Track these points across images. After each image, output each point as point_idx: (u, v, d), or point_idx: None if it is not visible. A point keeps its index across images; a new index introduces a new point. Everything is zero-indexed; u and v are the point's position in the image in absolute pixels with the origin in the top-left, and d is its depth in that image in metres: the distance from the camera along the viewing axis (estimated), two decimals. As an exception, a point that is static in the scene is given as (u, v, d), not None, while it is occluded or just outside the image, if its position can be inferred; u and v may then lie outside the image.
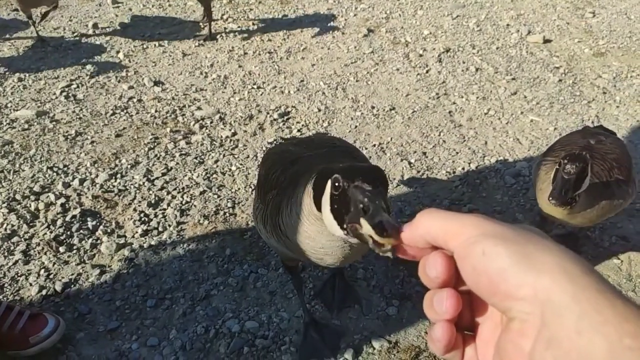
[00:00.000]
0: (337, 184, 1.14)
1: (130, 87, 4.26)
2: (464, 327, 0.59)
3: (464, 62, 4.70)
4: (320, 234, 1.51)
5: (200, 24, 5.41)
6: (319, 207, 1.35)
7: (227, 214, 2.97)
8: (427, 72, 4.56)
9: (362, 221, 0.92)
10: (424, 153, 3.53)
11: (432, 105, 4.09)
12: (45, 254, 2.65)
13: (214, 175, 3.29)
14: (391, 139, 3.67)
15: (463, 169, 3.37)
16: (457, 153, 3.52)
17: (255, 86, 4.32)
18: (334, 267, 1.85)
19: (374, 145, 3.59)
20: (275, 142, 3.62)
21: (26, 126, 3.73)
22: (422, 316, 2.33)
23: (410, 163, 3.41)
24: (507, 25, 5.39)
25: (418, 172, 3.33)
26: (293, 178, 1.68)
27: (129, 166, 3.33)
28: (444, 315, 0.55)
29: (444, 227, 0.54)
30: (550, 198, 1.93)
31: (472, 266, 0.51)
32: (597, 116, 3.89)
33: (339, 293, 2.40)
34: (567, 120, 3.85)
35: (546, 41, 5.02)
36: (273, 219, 1.73)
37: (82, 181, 3.16)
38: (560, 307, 0.43)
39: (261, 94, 4.22)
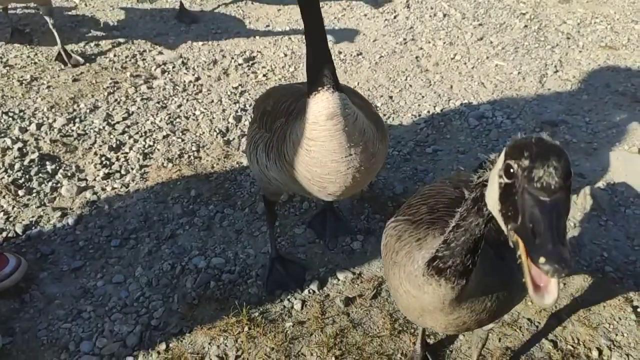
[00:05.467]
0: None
1: (87, 32, 4.08)
2: None
3: (431, 8, 4.66)
4: (326, 158, 1.59)
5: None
6: None
7: (192, 157, 2.93)
8: (394, 17, 4.51)
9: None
10: (391, 97, 3.53)
11: (399, 50, 4.06)
12: (4, 197, 2.58)
13: (177, 120, 3.22)
14: (358, 83, 3.65)
15: (428, 112, 3.39)
16: (423, 97, 3.54)
17: (219, 31, 4.20)
18: (335, 198, 1.82)
19: (341, 90, 3.56)
20: (240, 86, 3.56)
21: (-23, 71, 3.55)
22: (385, 249, 2.39)
23: (376, 107, 3.40)
24: (475, -29, 5.33)
25: (384, 115, 3.33)
26: (301, 109, 1.69)
27: (87, 111, 3.23)
28: None
29: None
30: (544, 259, 0.78)
31: None
32: (560, 61, 3.94)
33: (331, 225, 2.46)
34: (530, 65, 3.89)
35: (513, -13, 5.00)
36: (279, 146, 1.76)
37: (39, 126, 3.06)
38: None
39: (225, 39, 4.10)
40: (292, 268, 2.26)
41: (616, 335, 2.01)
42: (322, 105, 1.58)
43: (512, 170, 0.88)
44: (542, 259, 0.77)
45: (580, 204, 2.67)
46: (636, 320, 2.06)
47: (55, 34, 3.59)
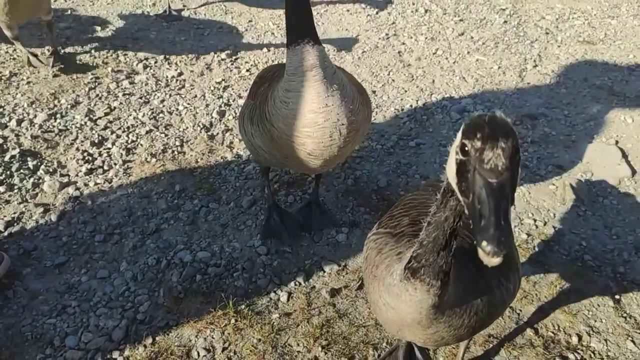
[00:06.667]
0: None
1: (68, 27, 4.03)
2: None
3: (413, 4, 4.70)
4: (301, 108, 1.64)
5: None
6: None
7: (176, 152, 2.92)
8: (377, 13, 4.53)
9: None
10: (374, 92, 3.55)
11: (381, 45, 4.09)
12: (-16, 194, 2.54)
13: (161, 115, 3.20)
14: (341, 78, 3.67)
15: (411, 106, 3.43)
16: (406, 91, 3.57)
17: (201, 26, 4.18)
18: (318, 163, 1.84)
19: (324, 84, 3.58)
20: (223, 81, 3.55)
21: (-47, 67, 3.48)
22: (370, 241, 2.41)
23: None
24: (456, -33, 5.39)
25: (367, 109, 3.36)
26: (284, 72, 1.74)
27: (69, 106, 3.19)
28: None
29: None
30: (486, 242, 0.87)
31: None
32: (539, 55, 4.01)
33: (316, 218, 2.48)
34: (510, 60, 3.96)
35: (493, -16, 5.07)
36: (261, 107, 1.84)
37: (19, 122, 3.01)
38: None
39: (207, 34, 4.09)
40: (288, 220, 2.32)
41: (595, 321, 2.07)
42: (300, 57, 1.61)
43: (466, 149, 0.94)
44: (484, 243, 0.86)
45: (560, 195, 2.73)
46: (614, 307, 2.12)
47: (53, 38, 3.61)
